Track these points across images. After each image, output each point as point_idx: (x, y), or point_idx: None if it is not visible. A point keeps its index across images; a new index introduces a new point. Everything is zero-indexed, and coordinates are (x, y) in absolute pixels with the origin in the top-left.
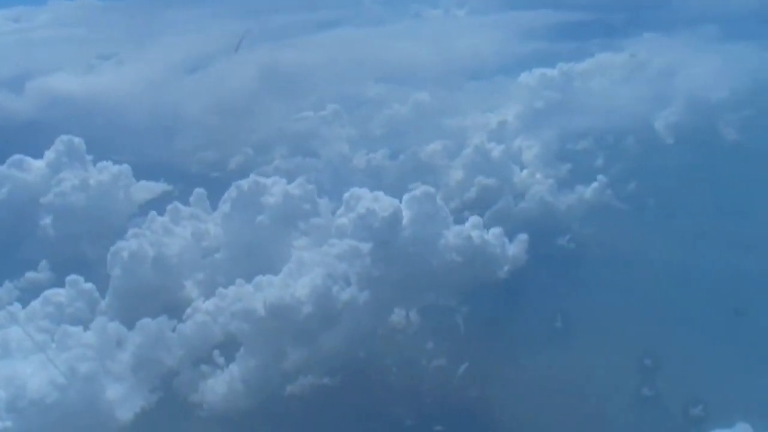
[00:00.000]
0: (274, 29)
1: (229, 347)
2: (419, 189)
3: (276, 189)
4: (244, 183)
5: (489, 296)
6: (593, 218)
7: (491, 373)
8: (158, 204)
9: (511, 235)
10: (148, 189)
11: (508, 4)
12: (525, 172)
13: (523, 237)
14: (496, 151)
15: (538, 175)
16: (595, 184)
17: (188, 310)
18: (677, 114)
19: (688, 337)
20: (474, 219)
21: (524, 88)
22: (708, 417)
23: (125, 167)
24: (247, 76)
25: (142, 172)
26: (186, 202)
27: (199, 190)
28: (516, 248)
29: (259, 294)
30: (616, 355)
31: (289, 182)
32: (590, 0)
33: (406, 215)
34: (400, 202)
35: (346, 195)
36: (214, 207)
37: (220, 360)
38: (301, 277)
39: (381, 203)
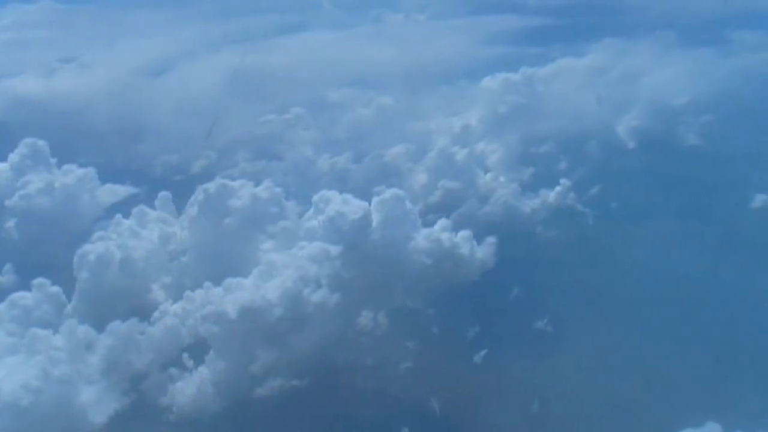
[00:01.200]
0: (236, 32)
1: (197, 350)
2: (388, 192)
3: (243, 192)
4: (211, 186)
5: (457, 299)
6: (557, 221)
7: (459, 375)
8: (123, 207)
9: (476, 239)
10: (113, 192)
11: (468, 10)
12: (489, 175)
13: (491, 240)
14: (460, 154)
15: (501, 179)
16: (558, 188)
17: (156, 313)
18: (638, 119)
19: (654, 337)
20: (443, 222)
21: (487, 92)
22: (676, 416)
23: (90, 170)
24: (210, 80)
25: (106, 175)
26: (150, 206)
27: (164, 193)
28: (485, 251)
29: (230, 296)
30: (584, 356)
31: (256, 185)
32: (551, 6)
33: (375, 218)
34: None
35: (315, 197)
36: (179, 210)
37: (189, 363)
38: (272, 279)
39: (350, 206)
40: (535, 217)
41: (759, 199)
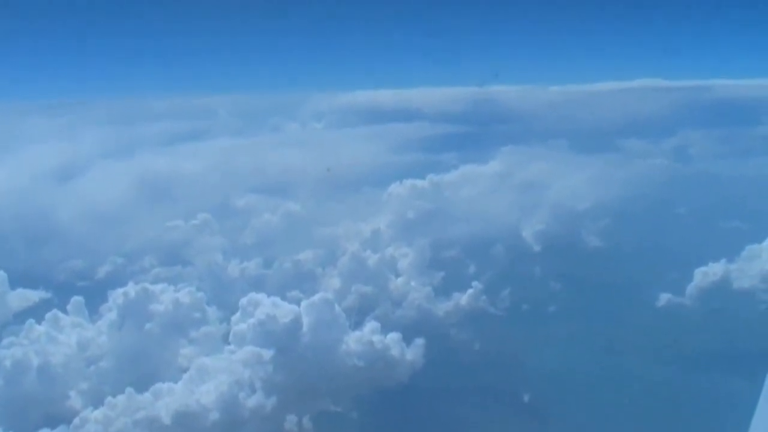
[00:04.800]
0: (137, 139)
1: None
2: (317, 295)
3: (164, 296)
4: (131, 290)
5: (382, 401)
6: (471, 324)
7: None
8: (32, 312)
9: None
10: (23, 297)
11: (363, 119)
12: (400, 279)
13: (420, 342)
14: (372, 259)
15: (413, 283)
16: (470, 291)
17: (76, 420)
18: (542, 223)
19: None
20: (372, 324)
21: (395, 198)
22: None
23: (1, 274)
24: (115, 185)
25: (12, 280)
26: (61, 311)
27: (77, 298)
28: (414, 353)
29: (161, 402)
30: None
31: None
32: (449, 115)
33: (305, 321)
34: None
35: (243, 301)
36: (90, 315)
37: None
38: (203, 384)
39: (280, 309)
40: (449, 320)
41: (663, 298)
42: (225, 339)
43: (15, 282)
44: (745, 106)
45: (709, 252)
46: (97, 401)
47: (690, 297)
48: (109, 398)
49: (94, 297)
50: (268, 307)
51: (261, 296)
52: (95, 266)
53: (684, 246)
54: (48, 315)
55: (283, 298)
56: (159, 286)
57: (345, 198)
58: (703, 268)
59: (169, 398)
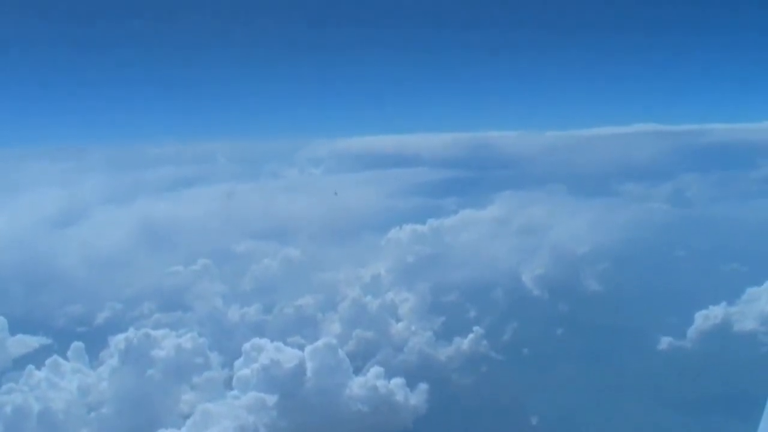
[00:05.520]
0: (138, 185)
1: None
2: (321, 341)
3: (166, 342)
4: (133, 335)
5: None
6: (472, 368)
7: None
8: (32, 358)
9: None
10: (23, 343)
11: (362, 164)
12: (401, 324)
13: (423, 387)
14: (372, 304)
15: (414, 328)
16: (471, 336)
17: None
18: (542, 267)
19: None
20: (376, 369)
21: (394, 243)
22: None
23: (1, 320)
24: (115, 231)
25: (12, 326)
26: (61, 356)
27: (77, 344)
28: (417, 398)
29: None
30: None
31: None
32: (445, 160)
33: (308, 367)
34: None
35: (246, 346)
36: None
37: None
38: (207, 430)
39: (284, 354)
40: (451, 365)
41: (664, 342)
42: (227, 384)
43: (15, 328)
44: (742, 150)
45: (709, 295)
46: None
47: (691, 340)
48: None
49: (95, 343)
50: (271, 352)
51: (264, 341)
52: (95, 312)
53: (684, 289)
54: (48, 361)
55: (284, 343)
56: (161, 332)
57: (345, 243)
58: (703, 312)
59: None
